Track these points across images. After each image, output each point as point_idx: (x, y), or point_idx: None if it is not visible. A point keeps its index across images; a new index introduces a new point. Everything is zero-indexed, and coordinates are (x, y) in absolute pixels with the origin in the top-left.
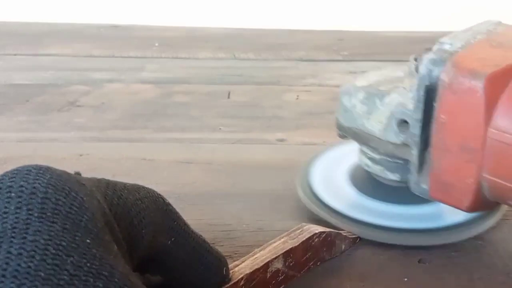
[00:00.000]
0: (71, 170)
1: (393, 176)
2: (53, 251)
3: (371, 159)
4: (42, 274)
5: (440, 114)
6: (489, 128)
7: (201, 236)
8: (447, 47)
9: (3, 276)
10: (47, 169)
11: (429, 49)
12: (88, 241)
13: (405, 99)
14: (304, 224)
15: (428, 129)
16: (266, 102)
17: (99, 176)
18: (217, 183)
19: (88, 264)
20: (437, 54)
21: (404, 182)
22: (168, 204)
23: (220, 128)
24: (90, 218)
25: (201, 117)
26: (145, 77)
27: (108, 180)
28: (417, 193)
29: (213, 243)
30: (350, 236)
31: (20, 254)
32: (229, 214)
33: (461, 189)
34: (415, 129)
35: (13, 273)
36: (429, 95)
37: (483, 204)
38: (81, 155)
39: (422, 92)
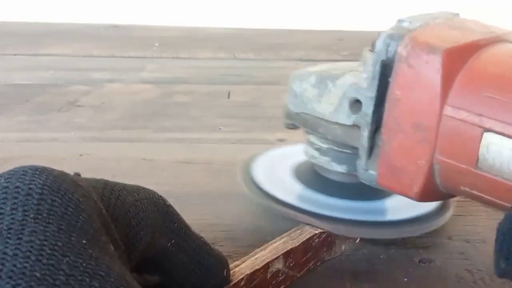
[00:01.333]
0: (71, 170)
1: (340, 168)
2: (49, 251)
3: (318, 149)
4: (38, 274)
5: (394, 90)
6: (445, 105)
7: (202, 237)
8: (405, 24)
9: None
10: (43, 170)
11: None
12: (84, 241)
13: (358, 79)
14: (304, 224)
15: (381, 109)
16: (266, 102)
17: (99, 176)
18: (217, 183)
19: (84, 264)
20: (395, 29)
21: (351, 175)
22: (169, 206)
23: (220, 128)
24: (86, 219)
25: (201, 117)
26: (145, 77)
27: (107, 181)
28: (364, 181)
29: (213, 243)
30: (349, 236)
31: (16, 254)
32: (229, 214)
33: (411, 173)
34: (368, 108)
35: (8, 274)
36: (385, 71)
37: (433, 192)
38: (81, 155)
39: (377, 67)
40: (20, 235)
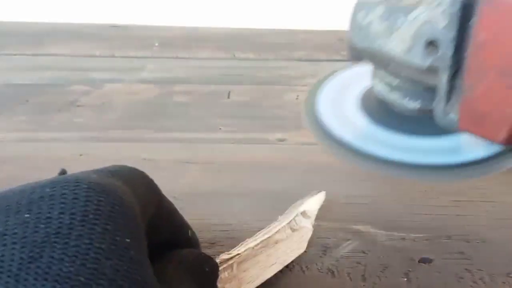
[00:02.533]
0: (71, 170)
1: (413, 105)
2: (93, 255)
3: (387, 84)
4: (82, 279)
5: (479, 32)
6: None
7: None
8: None
9: (45, 279)
10: (84, 177)
11: None
12: (127, 240)
13: (434, 14)
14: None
15: (461, 51)
16: (266, 102)
17: None
18: (217, 183)
19: (125, 267)
20: None
21: (424, 111)
22: (147, 176)
23: (220, 128)
24: (130, 217)
25: (201, 117)
26: (145, 77)
27: (110, 171)
28: (443, 124)
29: (213, 243)
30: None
31: (62, 259)
32: (229, 214)
33: (498, 119)
34: (447, 49)
35: (54, 277)
36: (465, 12)
37: None
38: (81, 155)
39: (456, 8)
40: (67, 240)
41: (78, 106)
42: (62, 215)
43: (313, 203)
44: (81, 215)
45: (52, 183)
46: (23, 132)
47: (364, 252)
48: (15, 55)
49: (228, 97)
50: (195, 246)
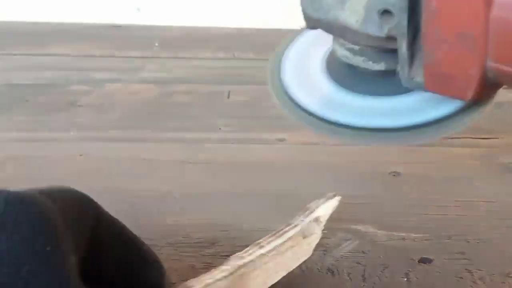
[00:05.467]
0: (71, 170)
1: (377, 66)
2: (11, 261)
3: (349, 50)
4: None
5: (430, 0)
6: (492, 9)
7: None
8: None
9: None
10: (2, 189)
11: None
12: (48, 249)
13: None
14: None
15: (417, 17)
16: (266, 102)
17: (99, 176)
18: (217, 183)
19: (44, 275)
20: None
21: (390, 72)
22: (92, 200)
23: (220, 128)
24: (51, 227)
25: (201, 117)
26: (145, 77)
27: (42, 188)
28: (410, 87)
29: (213, 243)
30: None
31: None
32: (229, 214)
33: (463, 81)
34: (401, 18)
35: None
36: None
37: (486, 92)
38: (81, 155)
39: None
40: None
41: (78, 106)
42: None
43: (327, 208)
44: (0, 224)
45: None
46: (23, 132)
47: (364, 252)
48: (15, 55)
49: (228, 97)
50: (152, 262)
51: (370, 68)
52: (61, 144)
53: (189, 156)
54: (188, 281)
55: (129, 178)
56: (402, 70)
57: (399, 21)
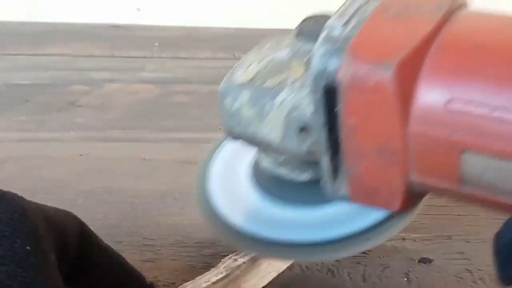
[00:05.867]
0: (71, 170)
1: (303, 177)
2: None
3: (273, 160)
4: None
5: (348, 117)
6: (408, 125)
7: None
8: (337, 32)
9: None
10: None
11: (311, 19)
12: (27, 248)
13: (299, 99)
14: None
15: (336, 133)
16: None
17: (99, 176)
18: None
19: (24, 274)
20: (327, 43)
21: (316, 181)
22: (83, 224)
23: (220, 128)
24: (31, 226)
25: (201, 117)
26: (145, 77)
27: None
28: (336, 199)
29: (213, 243)
30: None
31: None
32: None
33: (388, 192)
34: (320, 136)
35: None
36: (329, 96)
37: (413, 201)
38: (81, 155)
39: (319, 95)
40: None
41: (78, 106)
42: None
43: None
44: None
45: None
46: (23, 132)
47: (364, 252)
48: (15, 55)
49: None
50: (137, 275)
51: (295, 179)
52: (61, 144)
53: (189, 156)
54: (184, 284)
55: (129, 178)
56: (326, 183)
57: (318, 138)
